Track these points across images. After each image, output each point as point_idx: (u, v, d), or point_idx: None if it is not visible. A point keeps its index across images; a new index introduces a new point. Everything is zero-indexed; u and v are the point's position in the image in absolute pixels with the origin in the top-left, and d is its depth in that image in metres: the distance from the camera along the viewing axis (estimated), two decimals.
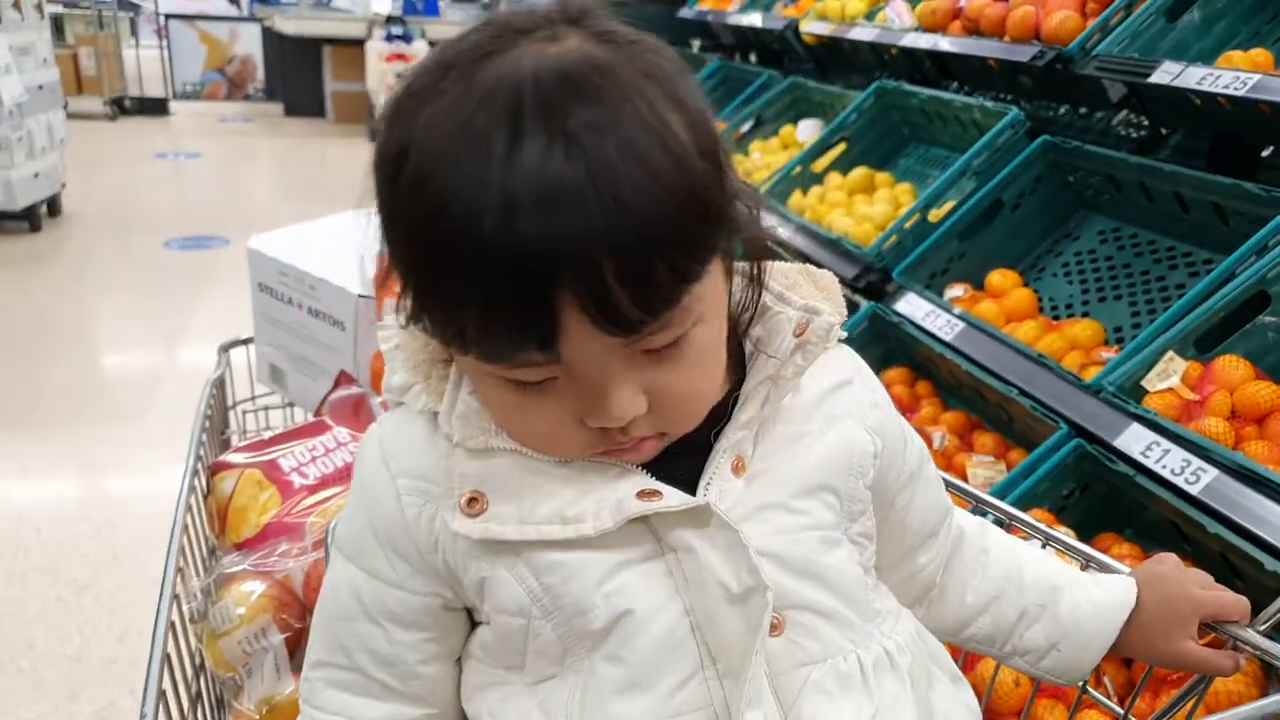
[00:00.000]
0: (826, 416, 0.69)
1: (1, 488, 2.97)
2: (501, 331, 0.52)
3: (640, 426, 0.59)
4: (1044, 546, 0.91)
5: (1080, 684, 0.86)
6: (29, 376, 3.72)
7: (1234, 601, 0.76)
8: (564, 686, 0.63)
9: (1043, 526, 0.92)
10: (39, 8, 5.67)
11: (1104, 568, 0.85)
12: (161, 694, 0.66)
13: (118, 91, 9.54)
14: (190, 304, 4.49)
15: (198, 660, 0.86)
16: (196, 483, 0.98)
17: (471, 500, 0.62)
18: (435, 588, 0.66)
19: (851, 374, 0.73)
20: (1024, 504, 1.67)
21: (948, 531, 0.81)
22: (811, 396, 0.69)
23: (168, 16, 10.29)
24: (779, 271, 0.72)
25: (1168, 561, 0.81)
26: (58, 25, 9.61)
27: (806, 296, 0.70)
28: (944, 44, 2.61)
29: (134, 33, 11.14)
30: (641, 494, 0.61)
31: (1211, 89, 1.80)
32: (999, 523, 0.96)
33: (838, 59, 3.52)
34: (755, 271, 0.68)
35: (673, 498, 0.62)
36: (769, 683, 0.62)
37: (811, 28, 3.28)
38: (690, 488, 0.64)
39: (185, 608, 0.80)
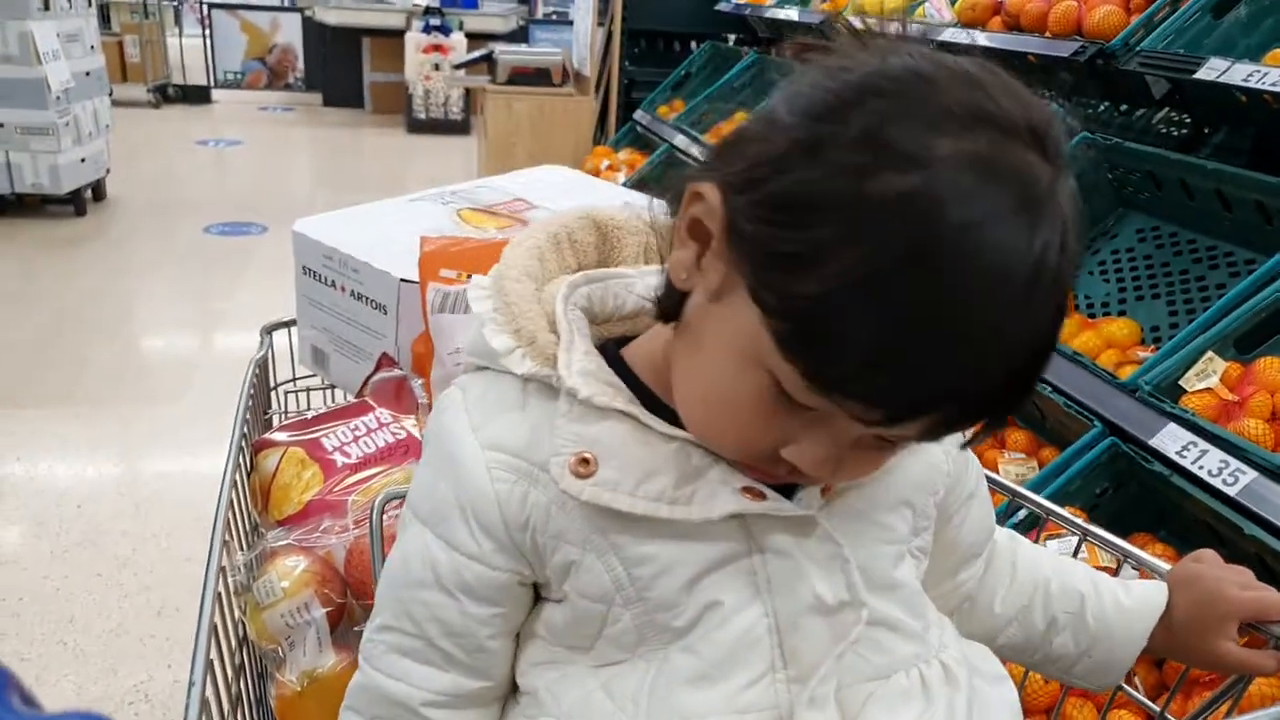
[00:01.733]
0: None
1: (44, 466, 3.04)
2: (946, 411, 0.52)
3: (806, 477, 0.59)
4: (1081, 541, 0.91)
5: None
6: (72, 357, 3.80)
7: (1276, 602, 0.75)
8: (633, 672, 0.63)
9: (1080, 522, 0.92)
10: None
11: (1141, 564, 0.84)
12: (209, 663, 0.68)
13: (161, 79, 9.68)
14: (228, 288, 4.56)
15: (241, 633, 0.89)
16: (241, 460, 1.01)
17: (582, 461, 0.61)
18: (516, 565, 0.65)
19: None
20: (1056, 502, 1.66)
21: (991, 549, 0.82)
22: None
23: (211, 5, 10.41)
24: None
25: (1206, 559, 0.80)
26: (104, 13, 9.76)
27: None
28: (983, 39, 2.59)
29: (178, 21, 11.30)
30: (744, 490, 0.61)
31: (1259, 86, 1.78)
32: (1035, 519, 0.96)
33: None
34: None
35: (780, 502, 0.62)
36: (834, 695, 0.63)
37: (850, 22, 3.26)
38: (781, 493, 0.64)
39: (230, 580, 0.83)
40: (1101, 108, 2.71)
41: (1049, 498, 1.69)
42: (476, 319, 0.67)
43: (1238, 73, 1.86)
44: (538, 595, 0.69)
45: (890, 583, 0.66)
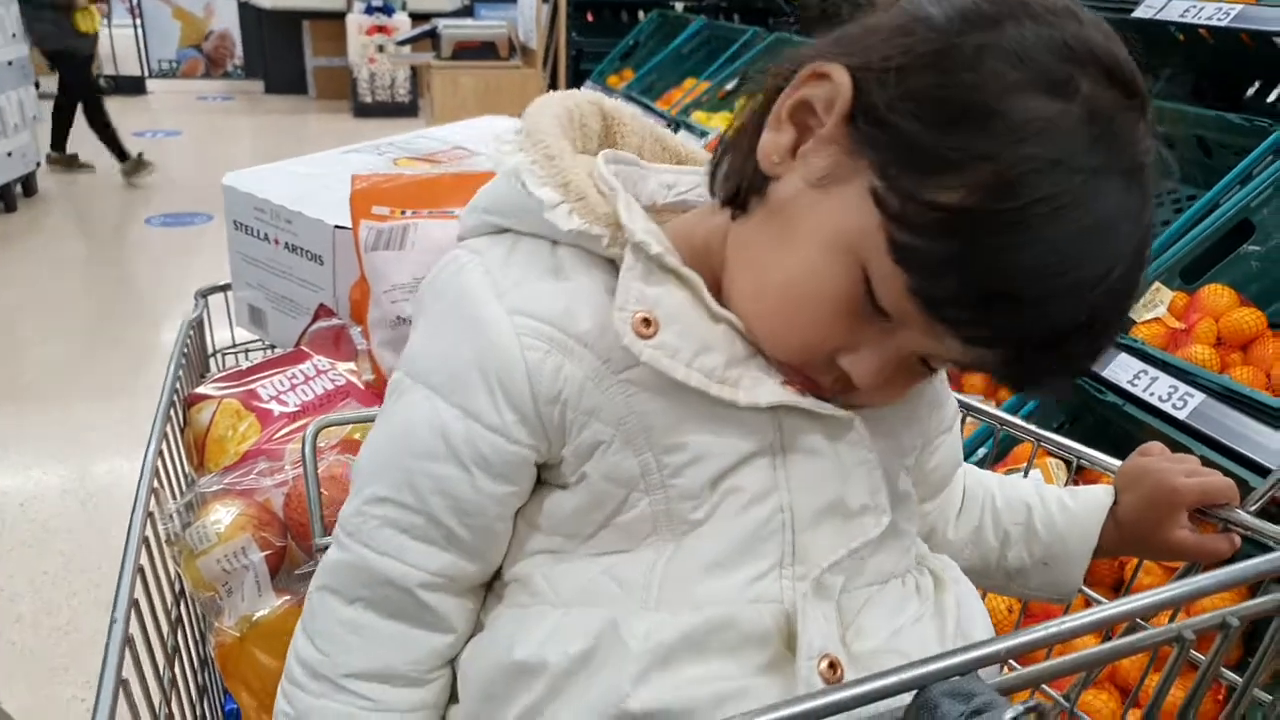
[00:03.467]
0: None
1: None
2: (1032, 353, 0.52)
3: (846, 386, 0.59)
4: (1037, 445, 0.92)
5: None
6: (9, 356, 3.69)
7: (1221, 484, 0.75)
8: (638, 561, 0.60)
9: (1033, 428, 0.93)
10: None
11: (1094, 464, 0.85)
12: (134, 602, 0.65)
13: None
14: (176, 279, 4.45)
15: (177, 587, 0.85)
16: (173, 414, 0.97)
17: (645, 321, 0.57)
18: (537, 441, 0.61)
19: None
20: (1013, 441, 1.67)
21: (953, 485, 0.83)
22: None
23: None
24: None
25: (1152, 451, 0.81)
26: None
27: None
28: None
29: (108, 10, 10.97)
30: (786, 384, 0.60)
31: (1195, 20, 1.79)
32: (1001, 455, 0.96)
33: (822, 15, 3.48)
34: None
35: (820, 402, 0.60)
36: (836, 598, 0.62)
37: None
38: None
39: (162, 528, 0.79)
40: None
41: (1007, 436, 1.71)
42: (502, 174, 0.62)
43: (1174, 9, 1.87)
44: (539, 478, 0.64)
45: (899, 493, 0.67)
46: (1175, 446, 1.42)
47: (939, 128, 0.49)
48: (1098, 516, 0.79)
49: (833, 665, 0.57)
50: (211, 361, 1.34)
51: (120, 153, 6.20)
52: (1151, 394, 1.44)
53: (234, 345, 1.38)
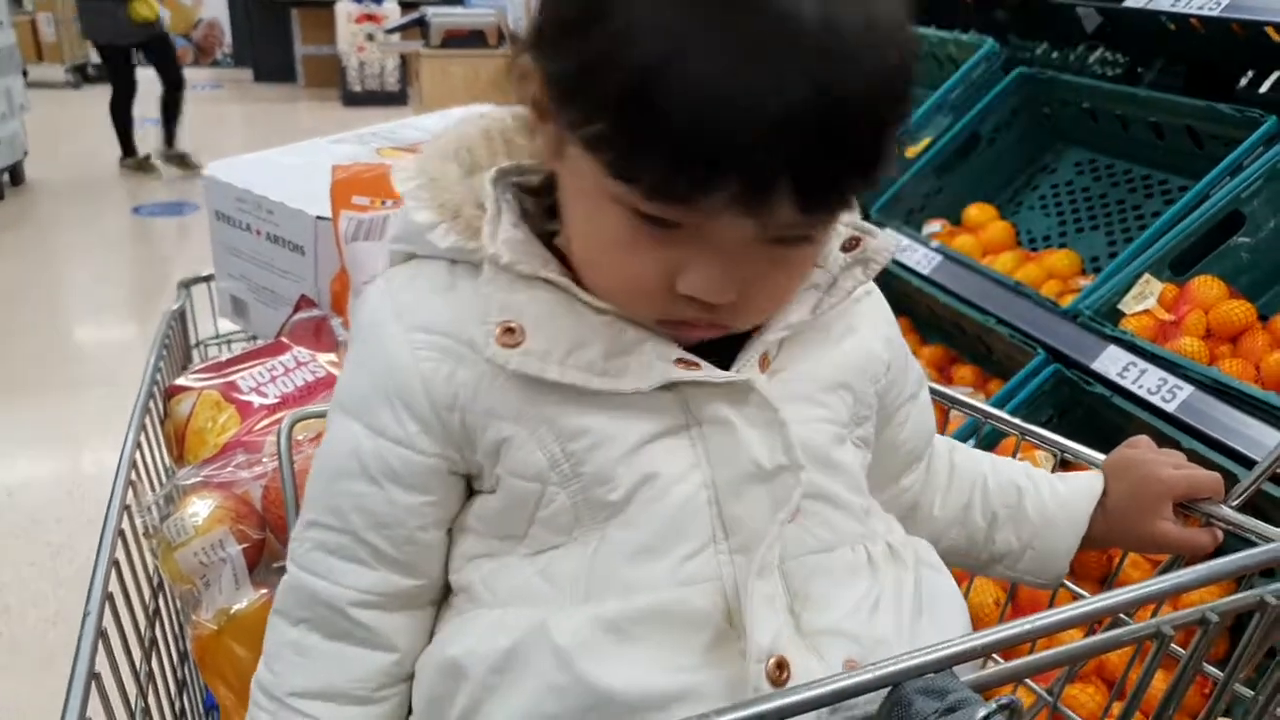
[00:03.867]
0: (847, 325, 0.71)
1: None
2: (709, 172, 0.50)
3: (721, 313, 0.58)
4: (1021, 439, 0.91)
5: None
6: None
7: (1207, 478, 0.75)
8: (569, 555, 0.62)
9: (1017, 421, 0.93)
10: None
11: (1077, 457, 0.84)
12: (108, 596, 0.64)
13: (79, 59, 9.33)
14: (163, 269, 4.43)
15: (156, 580, 0.84)
16: (152, 405, 0.96)
17: (508, 330, 0.59)
18: (443, 449, 0.63)
19: (869, 287, 0.74)
20: (1002, 432, 1.67)
21: (928, 457, 0.82)
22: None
23: None
24: None
25: (1140, 444, 0.81)
26: None
27: None
28: None
29: None
30: (679, 362, 0.60)
31: (1185, 10, 1.78)
32: (976, 426, 0.95)
33: None
34: None
35: (713, 371, 0.61)
36: (777, 567, 0.61)
37: None
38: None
39: (139, 521, 0.78)
40: (1038, 51, 2.71)
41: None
42: (402, 209, 0.66)
43: None
44: (471, 490, 0.67)
45: (829, 460, 0.66)
46: (1163, 440, 1.41)
47: (575, 35, 0.52)
48: (1088, 503, 0.79)
49: (780, 665, 0.57)
50: (194, 352, 1.33)
51: (129, 148, 6.13)
52: (1140, 386, 1.44)
53: (217, 336, 1.37)
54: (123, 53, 5.93)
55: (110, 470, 0.82)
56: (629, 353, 0.60)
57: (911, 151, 2.34)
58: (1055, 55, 2.65)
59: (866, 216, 2.28)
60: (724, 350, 0.63)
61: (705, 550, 0.61)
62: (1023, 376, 1.70)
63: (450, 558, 0.67)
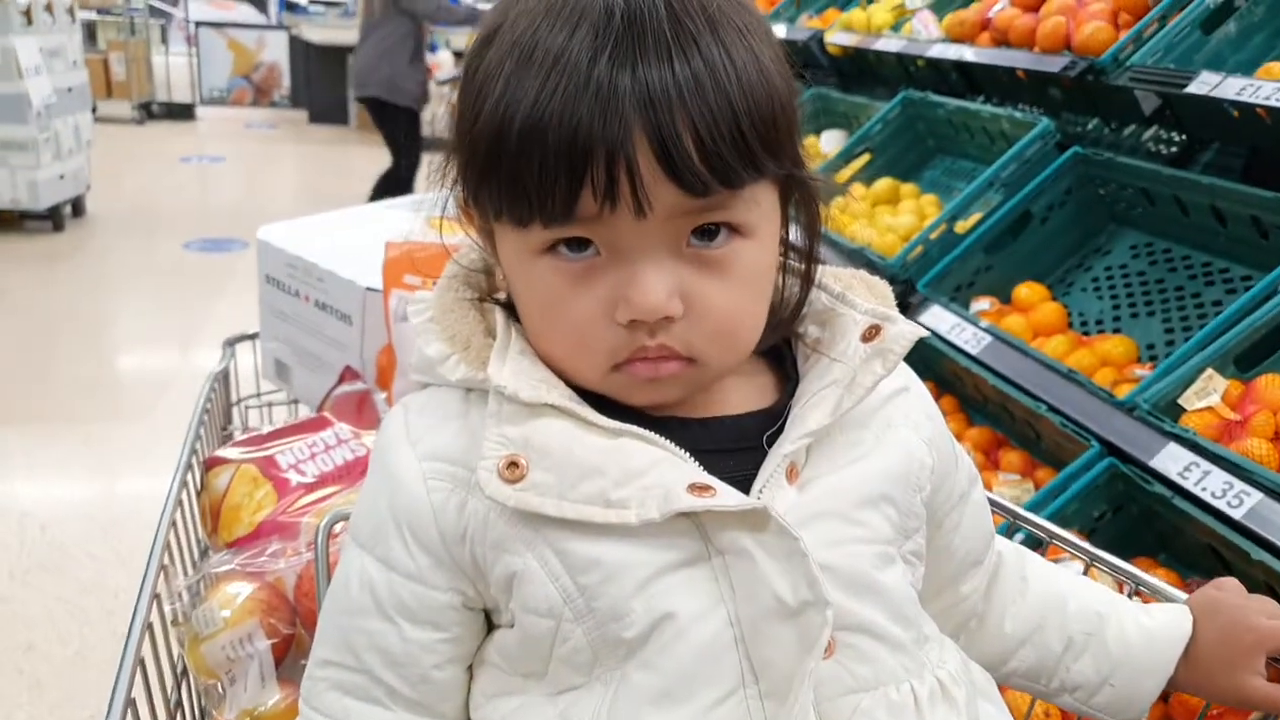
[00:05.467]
0: (884, 423, 0.66)
1: (8, 484, 2.96)
2: (563, 170, 0.52)
3: (671, 335, 0.57)
4: (1087, 569, 0.85)
5: None
6: (43, 374, 3.72)
7: None
8: (590, 697, 0.58)
9: (1087, 546, 0.86)
10: (71, 11, 5.71)
11: (1154, 592, 0.79)
12: (130, 702, 0.61)
13: (146, 96, 9.61)
14: (206, 305, 4.49)
15: (179, 667, 0.82)
16: (190, 478, 0.94)
17: (511, 464, 0.57)
18: (457, 583, 0.61)
19: (908, 381, 0.70)
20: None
21: (990, 558, 0.76)
22: (870, 402, 0.65)
23: (198, 24, 10.38)
24: (832, 274, 0.69)
25: (1227, 587, 0.75)
26: (91, 31, 9.72)
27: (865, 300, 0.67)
28: (972, 55, 2.56)
29: (164, 39, 11.26)
30: (692, 488, 0.56)
31: (1252, 100, 1.74)
32: (1036, 541, 0.90)
33: (861, 70, 3.47)
34: (808, 267, 0.67)
35: (728, 496, 0.57)
36: (814, 709, 0.57)
37: (837, 39, 3.24)
38: (738, 487, 0.59)
39: (168, 608, 0.76)
40: (1090, 125, 2.68)
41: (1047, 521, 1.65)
42: (418, 341, 0.65)
43: (1230, 86, 1.82)
44: (491, 624, 0.64)
45: (871, 586, 0.61)
46: (1230, 548, 1.35)
47: (458, 125, 0.60)
48: (1176, 643, 0.73)
49: None
50: (235, 411, 1.32)
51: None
52: (1204, 489, 1.38)
53: (258, 394, 1.37)
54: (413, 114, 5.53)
55: (144, 505, 0.80)
56: (638, 479, 0.57)
57: (961, 227, 2.31)
58: (1107, 131, 2.62)
59: (913, 291, 2.26)
60: (749, 463, 0.61)
61: (734, 696, 0.57)
62: (1075, 469, 1.64)
63: (471, 694, 0.64)
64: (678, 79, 0.52)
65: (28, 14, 5.09)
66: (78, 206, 5.80)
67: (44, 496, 2.91)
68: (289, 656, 0.78)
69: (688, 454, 0.59)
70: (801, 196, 0.64)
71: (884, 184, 2.72)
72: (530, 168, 0.53)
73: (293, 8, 10.59)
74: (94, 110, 6.06)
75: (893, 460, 0.65)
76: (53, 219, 5.47)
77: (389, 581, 0.61)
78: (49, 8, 5.34)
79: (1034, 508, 1.66)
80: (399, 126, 5.40)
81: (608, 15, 0.53)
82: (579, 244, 0.56)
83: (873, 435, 0.65)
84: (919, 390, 0.71)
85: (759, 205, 0.58)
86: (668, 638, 0.56)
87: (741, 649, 0.57)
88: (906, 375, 0.70)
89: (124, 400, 3.58)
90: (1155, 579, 0.79)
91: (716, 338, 0.58)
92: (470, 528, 0.59)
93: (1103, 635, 0.75)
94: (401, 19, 5.20)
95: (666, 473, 0.57)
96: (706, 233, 0.56)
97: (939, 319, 2.08)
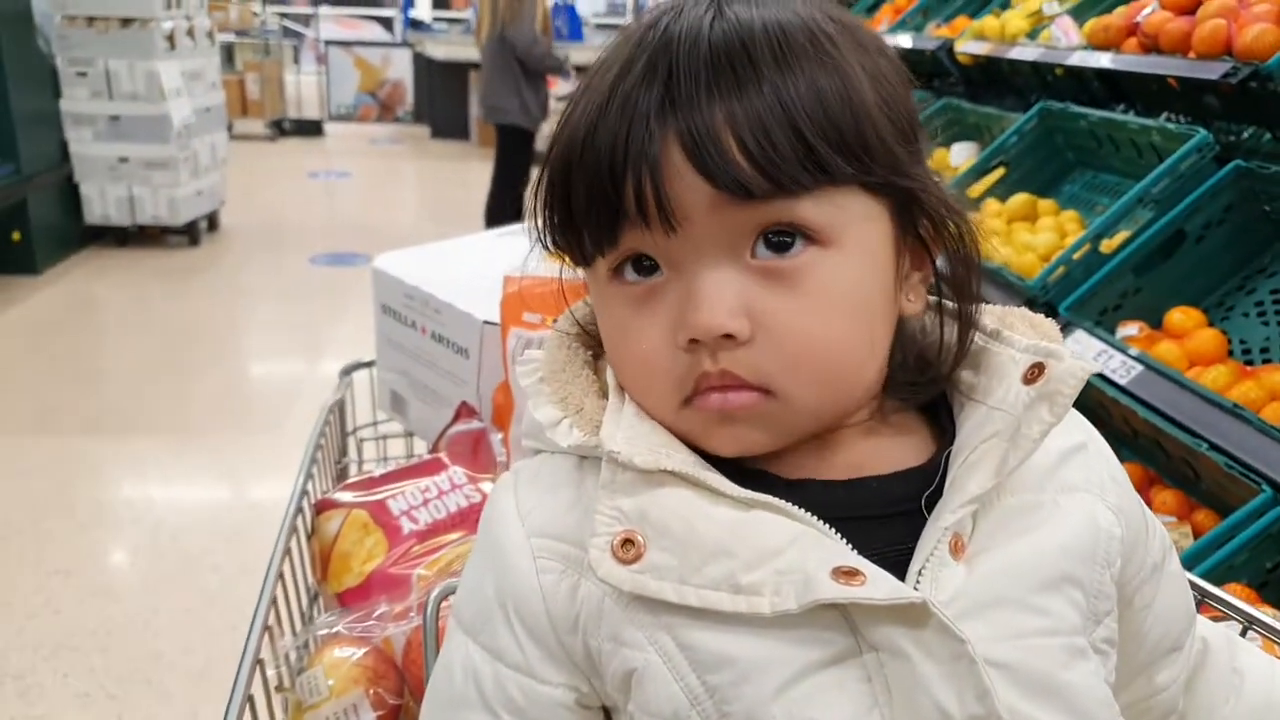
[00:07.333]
0: (1061, 486, 0.57)
1: (141, 494, 3.08)
2: (596, 183, 0.51)
3: (736, 359, 0.51)
4: (1244, 633, 0.73)
5: None
6: (176, 386, 3.88)
7: None
8: None
9: (1245, 607, 0.75)
10: (210, 35, 6.01)
11: None
12: None
13: (278, 114, 10.07)
14: (331, 318, 4.62)
15: None
16: (300, 522, 0.92)
17: (626, 542, 0.51)
18: (569, 679, 0.55)
19: (1086, 437, 0.60)
20: (1218, 578, 1.46)
21: (1191, 643, 0.65)
22: (1043, 460, 0.56)
23: (328, 43, 10.82)
24: (986, 310, 0.60)
25: None
26: (229, 53, 10.24)
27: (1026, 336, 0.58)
28: (1117, 62, 2.39)
29: (296, 59, 11.78)
30: (836, 572, 0.49)
31: None
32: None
33: (993, 80, 3.31)
34: (962, 305, 0.58)
35: (879, 585, 0.49)
36: None
37: (968, 47, 3.10)
38: (894, 566, 0.51)
39: (270, 672, 0.73)
40: (1246, 134, 2.47)
41: (1211, 572, 1.49)
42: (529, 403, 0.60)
43: None
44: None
45: (1057, 688, 0.52)
46: None
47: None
48: None
49: None
50: (349, 440, 1.31)
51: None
52: None
53: (374, 423, 1.35)
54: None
55: (266, 516, 0.78)
56: (772, 560, 0.50)
57: (1107, 246, 2.15)
58: (1267, 139, 2.40)
59: (1054, 314, 2.12)
60: (905, 533, 0.52)
61: None
62: (1243, 516, 1.48)
63: None
64: (718, 79, 0.50)
65: (170, 39, 5.36)
66: (213, 221, 6.09)
67: (175, 507, 3.02)
68: None
69: (830, 527, 0.52)
70: (931, 218, 0.57)
71: (1020, 199, 2.56)
72: (576, 193, 0.52)
73: (417, 25, 10.90)
74: (229, 128, 6.35)
75: (1075, 531, 0.55)
76: (190, 234, 5.75)
77: (495, 674, 0.55)
78: (190, 32, 5.62)
79: (1194, 556, 1.51)
80: (503, 145, 5.52)
81: (664, 44, 0.52)
82: (642, 267, 0.53)
83: (1049, 500, 0.56)
84: (1099, 447, 0.61)
85: (841, 211, 0.51)
86: None
87: None
88: (1084, 430, 0.61)
89: (253, 413, 3.71)
90: None
91: (794, 364, 0.51)
92: (583, 615, 0.53)
93: None
94: (506, 43, 5.31)
95: (808, 552, 0.50)
96: (780, 245, 0.51)
97: (1083, 345, 1.94)
